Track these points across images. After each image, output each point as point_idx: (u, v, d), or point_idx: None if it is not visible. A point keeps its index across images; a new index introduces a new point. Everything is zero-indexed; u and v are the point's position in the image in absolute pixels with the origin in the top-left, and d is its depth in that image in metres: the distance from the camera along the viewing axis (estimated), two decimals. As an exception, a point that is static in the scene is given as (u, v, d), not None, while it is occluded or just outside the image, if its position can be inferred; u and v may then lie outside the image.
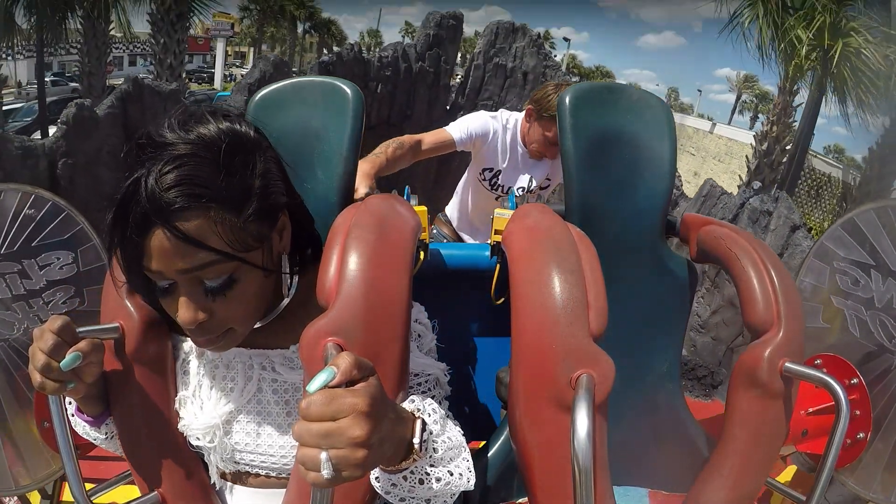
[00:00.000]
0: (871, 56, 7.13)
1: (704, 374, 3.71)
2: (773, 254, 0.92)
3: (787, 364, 0.81)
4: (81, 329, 0.76)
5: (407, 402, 0.68)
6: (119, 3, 8.96)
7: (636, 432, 1.06)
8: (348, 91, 1.04)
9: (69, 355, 0.70)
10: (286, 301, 0.79)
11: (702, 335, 3.83)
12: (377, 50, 5.85)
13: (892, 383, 1.09)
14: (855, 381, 1.08)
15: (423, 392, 0.81)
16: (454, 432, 0.70)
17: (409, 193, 1.17)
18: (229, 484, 0.85)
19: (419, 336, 0.83)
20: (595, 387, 0.68)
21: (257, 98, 1.08)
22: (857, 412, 1.07)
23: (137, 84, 5.04)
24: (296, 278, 0.81)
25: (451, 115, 5.39)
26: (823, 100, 7.93)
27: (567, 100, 1.08)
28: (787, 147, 8.42)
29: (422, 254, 1.08)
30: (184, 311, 0.68)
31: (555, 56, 6.06)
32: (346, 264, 0.71)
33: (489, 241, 1.12)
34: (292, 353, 0.80)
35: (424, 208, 1.08)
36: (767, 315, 0.84)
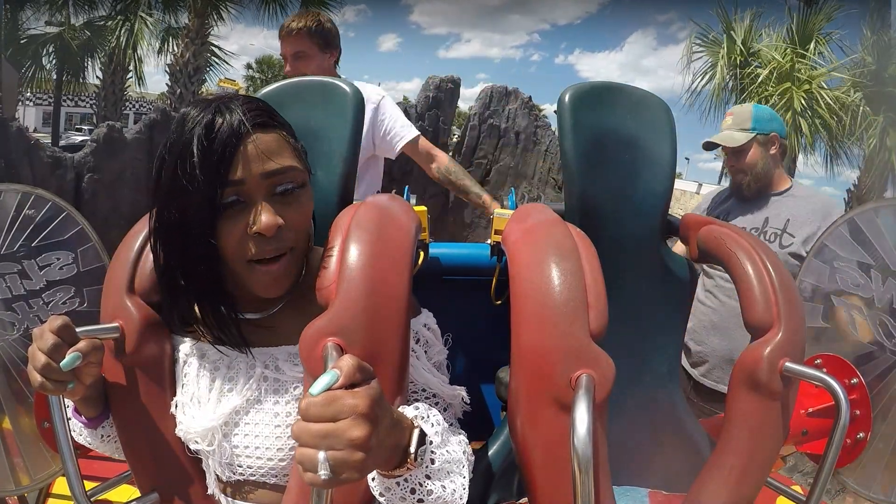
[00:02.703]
0: (831, 104, 7.36)
1: (699, 404, 3.78)
2: (773, 254, 0.92)
3: (787, 364, 0.81)
4: (81, 329, 0.76)
5: (411, 408, 0.68)
6: (137, 55, 9.89)
7: (636, 432, 1.06)
8: (348, 90, 1.03)
9: (69, 355, 0.70)
10: (301, 276, 0.82)
11: (693, 367, 3.88)
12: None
13: (892, 383, 1.09)
14: (855, 381, 1.08)
15: (426, 400, 0.81)
16: (455, 446, 0.69)
17: (409, 193, 1.17)
18: (226, 491, 0.83)
19: (426, 343, 0.83)
20: (595, 387, 0.68)
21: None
22: (857, 412, 1.06)
23: (165, 114, 5.68)
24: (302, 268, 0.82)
25: None
26: (801, 153, 8.23)
27: (567, 100, 1.07)
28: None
29: (422, 254, 1.08)
30: (264, 216, 0.71)
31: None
32: (346, 264, 0.71)
33: (489, 241, 1.12)
34: (296, 349, 0.79)
35: (424, 208, 1.08)
36: (767, 315, 0.84)
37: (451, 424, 0.83)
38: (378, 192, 1.93)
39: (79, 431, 0.86)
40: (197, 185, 0.69)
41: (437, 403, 0.82)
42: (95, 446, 0.88)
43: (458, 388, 0.85)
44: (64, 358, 0.70)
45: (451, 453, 0.67)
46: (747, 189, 1.95)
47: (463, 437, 0.77)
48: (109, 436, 0.86)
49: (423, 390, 0.81)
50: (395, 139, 2.03)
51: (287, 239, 0.74)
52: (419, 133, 2.08)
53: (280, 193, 0.73)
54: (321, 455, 0.51)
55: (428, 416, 0.67)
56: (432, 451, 0.64)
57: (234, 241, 0.73)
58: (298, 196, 0.75)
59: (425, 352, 0.82)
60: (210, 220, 0.71)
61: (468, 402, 0.86)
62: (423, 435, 0.64)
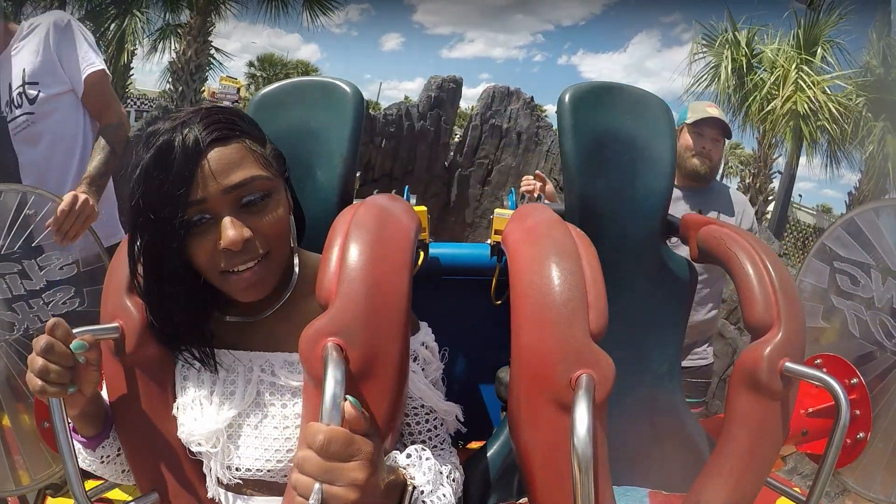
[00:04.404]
0: (833, 111, 7.39)
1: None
2: (773, 254, 0.92)
3: (787, 364, 0.81)
4: (81, 329, 0.76)
5: (403, 455, 0.70)
6: (129, 51, 9.77)
7: (636, 432, 1.06)
8: (348, 91, 1.04)
9: (75, 341, 0.71)
10: (294, 279, 0.82)
11: (694, 369, 3.90)
12: (382, 109, 6.13)
13: (892, 383, 1.09)
14: (855, 381, 1.08)
15: (419, 421, 0.83)
16: (447, 489, 0.71)
17: (409, 193, 1.17)
18: (227, 493, 0.83)
19: (424, 361, 0.83)
20: (595, 387, 0.68)
21: (257, 98, 1.08)
22: (857, 412, 1.06)
23: (166, 111, 6.00)
24: (297, 262, 0.83)
25: (450, 172, 5.88)
26: (803, 158, 8.29)
27: (567, 100, 1.07)
28: (770, 198, 8.69)
29: (422, 254, 1.08)
30: (230, 231, 0.71)
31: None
32: (346, 264, 0.71)
33: (489, 241, 1.12)
34: (293, 357, 0.80)
35: (424, 208, 1.08)
36: (767, 315, 0.84)
37: (443, 441, 0.85)
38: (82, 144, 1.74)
39: (77, 452, 0.84)
40: (160, 208, 0.70)
41: (435, 418, 0.84)
42: (95, 469, 0.87)
43: (454, 405, 0.86)
44: (62, 358, 0.70)
45: (442, 499, 0.69)
46: (704, 175, 2.04)
47: (454, 461, 0.81)
48: (109, 456, 0.85)
49: (422, 406, 0.82)
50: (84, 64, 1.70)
51: (259, 247, 0.75)
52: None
53: (246, 205, 0.73)
54: (316, 485, 0.54)
55: (420, 461, 0.69)
56: (423, 501, 0.67)
57: (204, 257, 0.73)
58: (266, 204, 0.75)
59: (423, 369, 0.83)
60: (179, 239, 0.72)
61: (462, 420, 0.87)
62: (413, 491, 0.66)
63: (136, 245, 0.76)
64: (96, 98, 1.74)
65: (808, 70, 7.66)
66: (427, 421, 0.83)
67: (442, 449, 0.85)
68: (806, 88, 7.49)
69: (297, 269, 0.84)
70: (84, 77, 1.70)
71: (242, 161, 0.73)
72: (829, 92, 7.58)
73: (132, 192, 0.73)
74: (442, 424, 0.85)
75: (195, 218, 0.72)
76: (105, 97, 1.76)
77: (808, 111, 7.45)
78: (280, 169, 0.80)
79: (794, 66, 7.64)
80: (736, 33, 8.14)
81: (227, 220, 0.72)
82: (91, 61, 1.72)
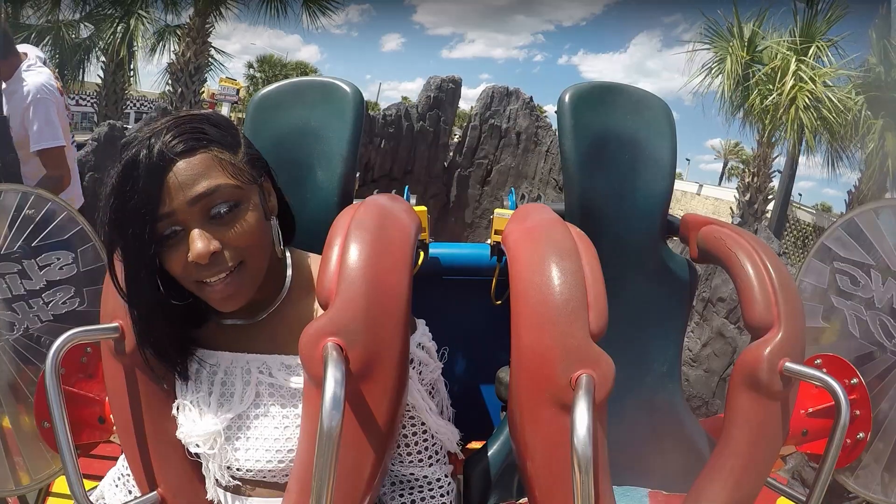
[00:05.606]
0: (833, 104, 7.38)
1: (699, 404, 3.81)
2: (773, 253, 0.92)
3: (787, 364, 0.81)
4: (81, 329, 0.76)
5: None
6: (132, 52, 9.83)
7: (636, 432, 1.06)
8: (348, 90, 1.04)
9: None
10: (288, 281, 0.82)
11: (694, 368, 3.90)
12: (381, 110, 6.14)
13: (892, 383, 1.09)
14: (855, 381, 1.08)
15: (416, 432, 0.83)
16: None
17: (409, 193, 1.17)
18: (226, 494, 0.83)
19: (421, 363, 0.83)
20: (595, 387, 0.68)
21: (257, 98, 1.08)
22: (857, 412, 1.06)
23: (166, 113, 5.76)
24: (290, 264, 0.83)
25: (450, 173, 5.89)
26: (803, 157, 8.31)
27: (567, 100, 1.07)
28: (770, 197, 8.70)
29: (422, 254, 1.08)
30: (198, 244, 0.71)
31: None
32: (346, 264, 0.71)
33: (489, 241, 1.12)
34: (290, 360, 0.80)
35: (424, 208, 1.08)
36: (767, 315, 0.84)
37: (438, 450, 0.86)
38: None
39: None
40: (131, 222, 0.70)
41: (425, 431, 0.84)
42: None
43: (450, 427, 0.86)
44: None
45: None
46: None
47: (445, 473, 0.84)
48: None
49: (416, 423, 0.83)
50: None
51: (229, 258, 0.73)
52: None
53: (214, 216, 0.73)
54: None
55: None
56: None
57: (178, 268, 0.73)
58: (235, 215, 0.74)
59: (419, 373, 0.82)
60: (151, 253, 0.72)
61: (459, 441, 0.87)
62: None
63: (115, 258, 0.76)
64: (44, 161, 2.13)
65: (806, 65, 7.65)
66: (424, 432, 0.84)
67: (436, 461, 0.85)
68: (808, 81, 7.48)
69: (290, 271, 0.83)
70: (32, 151, 2.10)
71: (208, 171, 0.72)
72: (830, 84, 7.57)
73: (106, 204, 0.73)
74: (433, 437, 0.85)
75: (166, 232, 0.72)
76: (48, 165, 2.12)
77: (809, 103, 7.43)
78: (255, 175, 0.78)
79: (794, 59, 7.63)
80: (742, 26, 8.13)
81: (194, 233, 0.71)
82: (37, 140, 2.10)
